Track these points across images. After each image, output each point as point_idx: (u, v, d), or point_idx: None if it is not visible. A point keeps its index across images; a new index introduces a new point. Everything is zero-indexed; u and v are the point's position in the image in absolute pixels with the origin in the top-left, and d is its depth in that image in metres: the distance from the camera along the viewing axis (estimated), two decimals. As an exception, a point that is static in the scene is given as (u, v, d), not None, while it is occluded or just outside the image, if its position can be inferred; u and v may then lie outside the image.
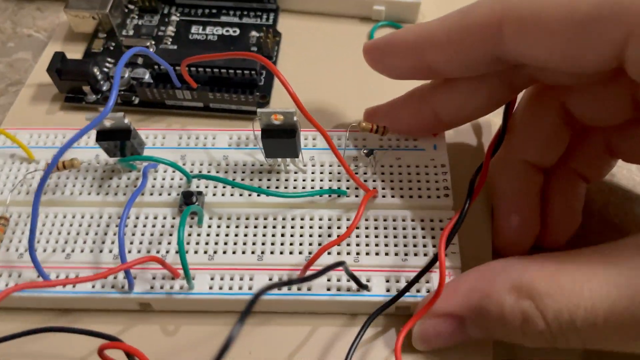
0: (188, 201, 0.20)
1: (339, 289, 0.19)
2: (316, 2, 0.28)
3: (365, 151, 0.21)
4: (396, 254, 0.20)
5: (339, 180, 0.21)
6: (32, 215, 0.18)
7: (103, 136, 0.20)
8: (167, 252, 0.20)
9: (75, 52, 0.27)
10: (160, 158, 0.20)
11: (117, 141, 0.20)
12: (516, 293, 0.16)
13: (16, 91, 0.27)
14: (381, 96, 0.22)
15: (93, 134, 0.23)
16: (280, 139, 0.20)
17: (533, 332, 0.15)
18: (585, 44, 0.15)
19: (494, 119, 0.24)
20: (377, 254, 0.20)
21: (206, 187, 0.21)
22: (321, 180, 0.21)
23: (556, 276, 0.15)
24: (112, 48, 0.27)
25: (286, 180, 0.21)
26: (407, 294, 0.19)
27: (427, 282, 0.19)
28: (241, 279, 0.19)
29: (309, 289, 0.19)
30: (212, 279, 0.19)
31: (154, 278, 0.19)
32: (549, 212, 0.21)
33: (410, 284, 0.19)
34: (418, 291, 0.19)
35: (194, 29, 0.28)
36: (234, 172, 0.22)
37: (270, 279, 0.19)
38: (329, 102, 0.25)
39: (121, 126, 0.20)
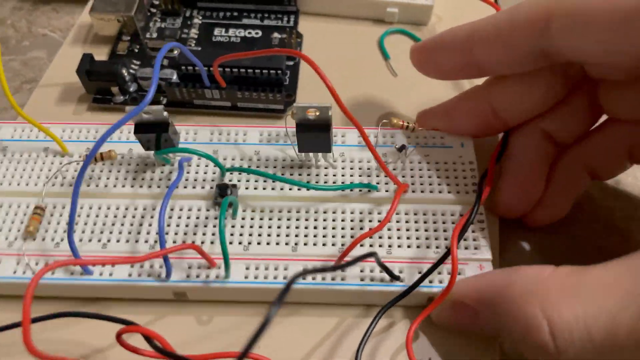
0: (223, 193, 0.21)
1: (372, 280, 0.19)
2: (333, 4, 0.29)
3: (397, 146, 0.22)
4: (427, 247, 0.20)
5: (368, 176, 0.22)
6: (72, 201, 0.18)
7: (141, 128, 0.20)
8: (203, 242, 0.20)
9: (96, 53, 0.27)
10: (196, 150, 0.21)
11: (155, 134, 0.20)
12: (528, 298, 0.16)
13: (30, 89, 0.27)
14: (396, 95, 0.24)
15: (126, 128, 0.23)
16: (315, 133, 0.20)
17: (535, 341, 0.15)
18: (629, 38, 0.15)
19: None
20: (408, 246, 0.20)
21: (239, 180, 0.22)
22: (351, 176, 0.22)
23: (576, 287, 0.15)
24: (136, 50, 0.28)
25: (317, 175, 0.22)
26: (431, 285, 0.19)
27: (460, 274, 0.20)
28: (276, 268, 0.20)
29: (342, 279, 0.19)
30: (247, 268, 0.20)
31: (189, 267, 0.20)
32: (547, 189, 0.21)
33: (424, 276, 0.19)
34: (441, 282, 0.19)
35: (216, 31, 0.29)
36: (265, 167, 0.22)
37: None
38: (351, 101, 0.26)
39: (160, 119, 0.20)
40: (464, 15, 0.29)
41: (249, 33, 0.28)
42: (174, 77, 0.26)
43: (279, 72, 0.24)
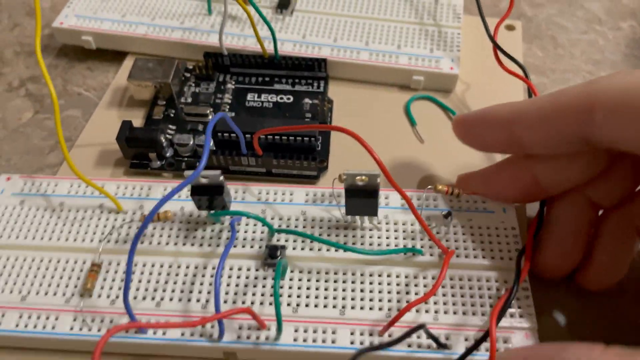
0: (273, 254, 0.21)
1: (419, 346, 0.20)
2: (361, 71, 0.30)
3: (444, 212, 0.22)
4: (473, 314, 0.20)
5: (413, 239, 0.22)
6: (128, 262, 0.18)
7: (196, 191, 0.21)
8: (252, 303, 0.21)
9: (130, 116, 0.28)
10: (248, 212, 0.21)
11: (210, 196, 0.21)
12: None
13: (67, 147, 0.28)
14: (424, 161, 0.25)
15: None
16: (363, 199, 0.21)
17: None
18: None
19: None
20: (454, 312, 0.20)
21: (286, 240, 0.22)
22: (395, 238, 0.22)
23: None
24: (171, 115, 0.28)
25: (362, 237, 0.23)
26: (476, 353, 0.19)
27: (505, 342, 0.20)
28: (324, 332, 0.20)
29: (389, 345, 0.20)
30: (296, 331, 0.20)
31: (240, 328, 0.20)
32: (596, 252, 0.21)
33: (467, 353, 0.19)
34: (487, 350, 0.20)
35: (249, 96, 0.29)
36: (312, 227, 0.23)
37: (352, 334, 0.20)
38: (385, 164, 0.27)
39: (216, 182, 0.21)
40: (490, 83, 0.30)
41: (281, 98, 0.29)
42: (211, 144, 0.26)
43: (312, 139, 0.25)
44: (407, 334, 0.17)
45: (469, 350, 0.19)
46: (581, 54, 0.32)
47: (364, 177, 0.20)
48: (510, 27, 0.33)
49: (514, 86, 0.29)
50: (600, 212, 0.22)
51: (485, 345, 0.20)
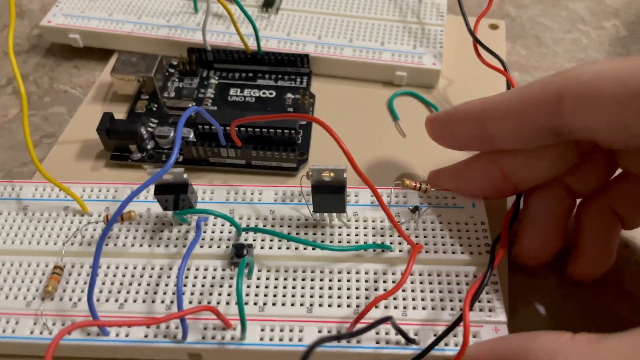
0: (239, 253, 0.21)
1: (387, 342, 0.19)
2: (344, 67, 0.30)
3: (411, 208, 0.22)
4: (442, 309, 0.20)
5: (382, 235, 0.22)
6: (94, 263, 0.18)
7: (161, 190, 0.21)
8: (218, 303, 0.20)
9: (114, 111, 0.28)
10: (213, 211, 0.21)
11: (175, 195, 0.21)
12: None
13: (50, 143, 0.28)
14: (406, 156, 0.25)
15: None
16: (330, 195, 0.21)
17: None
18: (636, 117, 0.16)
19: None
20: (423, 308, 0.20)
21: (254, 240, 0.22)
22: (365, 235, 0.22)
23: (594, 356, 0.15)
24: (154, 109, 0.29)
25: (331, 234, 0.22)
26: (445, 347, 0.19)
27: (474, 336, 0.19)
28: (291, 330, 0.20)
29: (358, 342, 0.19)
30: (262, 330, 0.20)
31: (205, 328, 0.20)
32: (582, 243, 0.21)
33: (438, 339, 0.19)
34: (456, 345, 0.19)
35: (232, 91, 0.30)
36: (281, 226, 0.22)
37: (319, 331, 0.20)
38: (362, 161, 0.26)
39: (180, 181, 0.21)
40: (473, 78, 0.30)
41: (264, 93, 0.29)
42: (191, 136, 0.27)
43: (293, 131, 0.25)
44: (372, 326, 0.16)
45: (442, 335, 0.19)
46: (564, 52, 0.33)
47: (330, 173, 0.20)
48: (494, 26, 0.33)
49: (496, 82, 0.30)
50: (579, 202, 0.22)
51: (455, 340, 0.19)
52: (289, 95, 0.29)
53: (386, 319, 0.17)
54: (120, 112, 0.29)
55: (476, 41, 0.28)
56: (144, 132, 0.26)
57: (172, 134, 0.26)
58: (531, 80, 0.31)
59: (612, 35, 0.34)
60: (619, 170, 0.22)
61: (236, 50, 0.30)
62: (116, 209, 0.18)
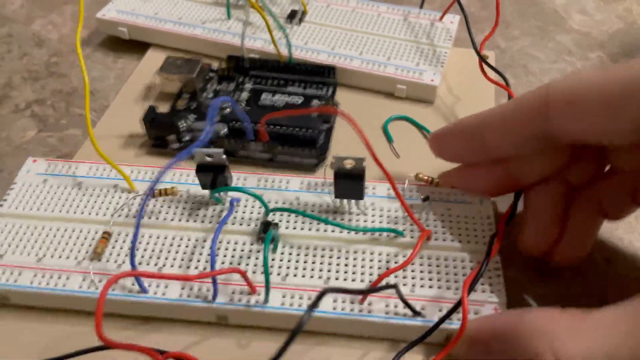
0: (266, 229, 0.23)
1: (395, 314, 0.21)
2: (360, 78, 0.33)
3: (422, 197, 0.24)
4: (448, 288, 0.22)
5: (395, 223, 0.24)
6: (136, 225, 0.21)
7: (202, 169, 0.23)
8: (246, 271, 0.23)
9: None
10: (246, 189, 0.24)
11: (213, 174, 0.23)
12: (538, 335, 0.18)
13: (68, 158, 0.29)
14: (408, 157, 0.28)
15: (185, 172, 0.26)
16: (350, 182, 0.23)
17: None
18: (623, 116, 0.18)
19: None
20: (430, 287, 0.22)
21: (280, 220, 0.24)
22: (380, 222, 0.24)
23: (581, 327, 0.17)
24: (193, 107, 0.32)
25: (349, 220, 0.25)
26: (450, 321, 0.21)
27: (476, 313, 0.21)
28: (309, 298, 0.22)
29: (368, 312, 0.21)
30: (283, 296, 0.22)
31: (232, 292, 0.22)
32: (566, 229, 0.23)
33: (441, 321, 0.21)
34: (459, 320, 0.21)
35: (264, 95, 0.32)
36: (304, 211, 0.25)
37: (334, 301, 0.22)
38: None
39: (219, 161, 0.23)
40: (471, 94, 0.32)
41: (292, 99, 0.32)
42: (224, 131, 0.29)
43: (315, 131, 0.28)
44: (378, 289, 0.19)
45: (443, 318, 0.21)
46: (550, 81, 0.35)
47: (351, 161, 0.23)
48: (484, 57, 0.36)
49: (490, 101, 0.32)
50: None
51: (458, 315, 0.21)
52: (316, 102, 0.32)
53: (392, 286, 0.19)
54: (163, 109, 0.31)
55: (481, 59, 0.31)
56: (183, 125, 0.29)
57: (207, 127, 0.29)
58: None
59: (596, 65, 0.36)
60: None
61: (270, 60, 0.33)
62: (162, 187, 0.20)
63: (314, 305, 0.16)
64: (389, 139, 0.30)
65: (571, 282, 0.24)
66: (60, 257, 0.23)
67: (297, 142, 0.28)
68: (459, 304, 0.21)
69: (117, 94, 0.33)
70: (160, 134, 0.29)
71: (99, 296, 0.17)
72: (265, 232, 0.23)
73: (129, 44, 0.37)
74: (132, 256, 0.21)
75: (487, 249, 0.22)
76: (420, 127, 0.31)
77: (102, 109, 0.33)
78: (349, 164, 0.23)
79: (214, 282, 0.21)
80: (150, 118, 0.29)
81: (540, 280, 0.24)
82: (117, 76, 0.35)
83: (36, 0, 0.41)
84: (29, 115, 0.33)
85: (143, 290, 0.22)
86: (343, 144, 0.30)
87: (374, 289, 0.19)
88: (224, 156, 0.23)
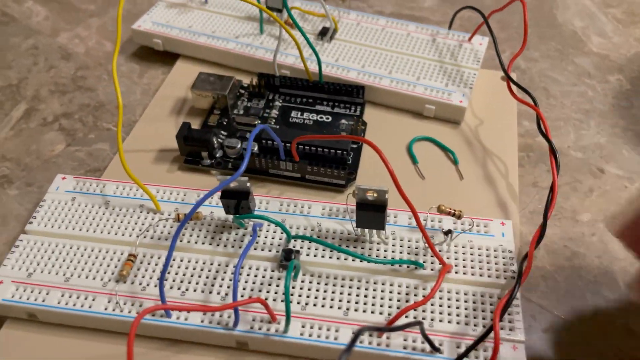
0: (288, 257, 0.24)
1: (413, 349, 0.22)
2: (387, 97, 0.33)
3: (444, 230, 0.24)
4: (466, 324, 0.22)
5: (416, 254, 0.24)
6: (168, 255, 0.21)
7: (227, 195, 0.24)
8: (266, 299, 0.23)
9: (178, 122, 0.32)
10: (269, 217, 0.24)
11: (237, 200, 0.24)
12: None
13: (97, 176, 0.30)
14: (424, 194, 0.27)
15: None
16: (372, 212, 0.23)
17: None
18: None
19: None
20: (449, 322, 0.22)
21: (301, 247, 0.25)
22: (400, 253, 0.25)
23: None
24: (224, 123, 0.32)
25: (370, 249, 0.25)
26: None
27: (486, 351, 0.21)
28: (328, 329, 0.22)
29: (387, 345, 0.22)
30: (303, 326, 0.22)
31: (253, 320, 0.22)
32: None
33: (468, 350, 0.21)
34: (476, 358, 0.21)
35: (293, 113, 0.33)
36: (325, 238, 0.25)
37: (353, 333, 0.22)
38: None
39: (243, 188, 0.24)
40: (494, 115, 0.32)
41: (321, 117, 0.32)
42: (255, 149, 0.30)
43: (344, 152, 0.28)
44: (406, 326, 0.19)
45: (473, 345, 0.21)
46: (571, 104, 0.35)
47: (374, 193, 0.23)
48: (505, 79, 0.35)
49: (513, 123, 0.32)
50: None
51: (475, 353, 0.21)
52: (344, 121, 0.32)
53: (416, 323, 0.20)
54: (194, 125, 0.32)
55: (509, 79, 0.30)
56: (215, 142, 0.30)
57: (239, 146, 0.30)
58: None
59: (615, 88, 0.36)
60: None
61: (300, 78, 0.33)
62: (185, 210, 0.21)
63: (352, 344, 0.16)
64: (414, 161, 0.30)
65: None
66: (87, 277, 0.24)
67: (327, 161, 0.28)
68: (486, 334, 0.21)
69: (143, 108, 0.34)
70: (194, 151, 0.30)
71: (129, 335, 0.17)
72: (287, 260, 0.24)
73: (154, 59, 0.37)
74: (161, 287, 0.22)
75: (518, 272, 0.22)
76: (444, 149, 0.31)
77: (130, 123, 0.33)
78: (371, 195, 0.23)
79: (236, 311, 0.22)
80: (184, 134, 0.29)
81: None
82: (144, 91, 0.36)
83: (61, 12, 0.42)
84: (57, 129, 0.34)
85: (167, 315, 0.23)
86: (371, 163, 0.30)
87: (401, 326, 0.19)
88: (249, 184, 0.23)
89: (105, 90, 0.36)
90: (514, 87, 0.31)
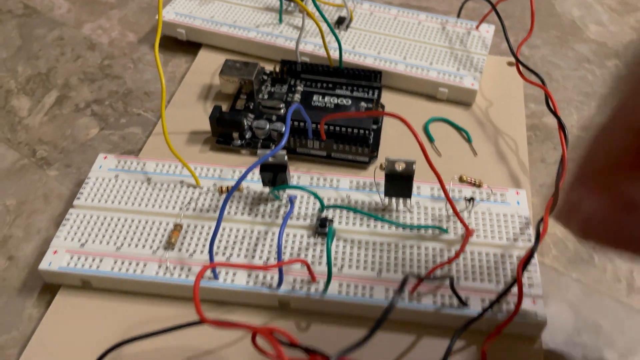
0: (324, 225, 0.26)
1: (442, 304, 0.24)
2: (403, 81, 0.35)
3: (467, 197, 0.26)
4: (489, 281, 0.24)
5: (439, 221, 0.27)
6: (218, 219, 0.23)
7: (265, 168, 0.26)
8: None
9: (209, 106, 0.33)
10: (304, 186, 0.26)
11: (275, 173, 0.26)
12: None
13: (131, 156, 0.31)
14: (448, 156, 0.29)
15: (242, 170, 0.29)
16: (400, 182, 0.25)
17: None
18: None
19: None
20: (473, 279, 0.24)
21: (333, 217, 0.27)
22: (425, 220, 0.27)
23: None
24: (250, 107, 0.34)
25: (396, 218, 0.27)
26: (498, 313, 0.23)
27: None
28: (363, 288, 0.24)
29: (418, 302, 0.24)
30: (340, 285, 0.24)
31: (294, 281, 0.24)
32: None
33: (493, 303, 0.23)
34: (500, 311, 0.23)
35: (314, 97, 0.34)
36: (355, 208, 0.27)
37: (386, 290, 0.24)
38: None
39: (281, 162, 0.26)
40: (503, 97, 0.35)
41: (341, 101, 0.34)
42: (283, 129, 0.32)
43: (367, 131, 0.30)
44: (441, 278, 0.21)
45: (499, 296, 0.23)
46: (573, 87, 0.37)
47: (402, 164, 0.25)
48: (511, 64, 0.38)
49: (521, 105, 0.35)
50: None
51: (497, 306, 0.24)
52: (363, 104, 0.34)
53: (447, 277, 0.22)
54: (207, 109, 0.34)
55: (517, 61, 0.33)
56: (245, 124, 0.32)
57: (267, 127, 0.31)
58: (545, 110, 0.33)
59: (613, 73, 0.38)
60: None
61: (320, 65, 0.35)
62: (223, 185, 0.23)
63: (402, 287, 0.18)
64: (431, 139, 0.33)
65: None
66: (136, 246, 0.26)
67: (351, 140, 0.30)
68: (510, 286, 0.23)
69: (170, 95, 0.36)
70: (226, 132, 0.32)
71: (194, 285, 0.19)
72: (322, 226, 0.26)
73: (176, 48, 0.39)
74: (211, 249, 0.24)
75: (535, 231, 0.24)
76: (458, 128, 0.33)
77: (159, 109, 0.35)
78: (399, 166, 0.25)
79: (280, 271, 0.24)
80: (217, 117, 0.31)
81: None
82: (169, 79, 0.37)
83: (83, 5, 0.44)
84: (90, 115, 0.35)
85: (215, 277, 0.24)
86: (390, 143, 0.32)
87: (436, 277, 0.21)
88: (286, 157, 0.25)
89: (132, 77, 0.38)
90: (522, 70, 0.33)
